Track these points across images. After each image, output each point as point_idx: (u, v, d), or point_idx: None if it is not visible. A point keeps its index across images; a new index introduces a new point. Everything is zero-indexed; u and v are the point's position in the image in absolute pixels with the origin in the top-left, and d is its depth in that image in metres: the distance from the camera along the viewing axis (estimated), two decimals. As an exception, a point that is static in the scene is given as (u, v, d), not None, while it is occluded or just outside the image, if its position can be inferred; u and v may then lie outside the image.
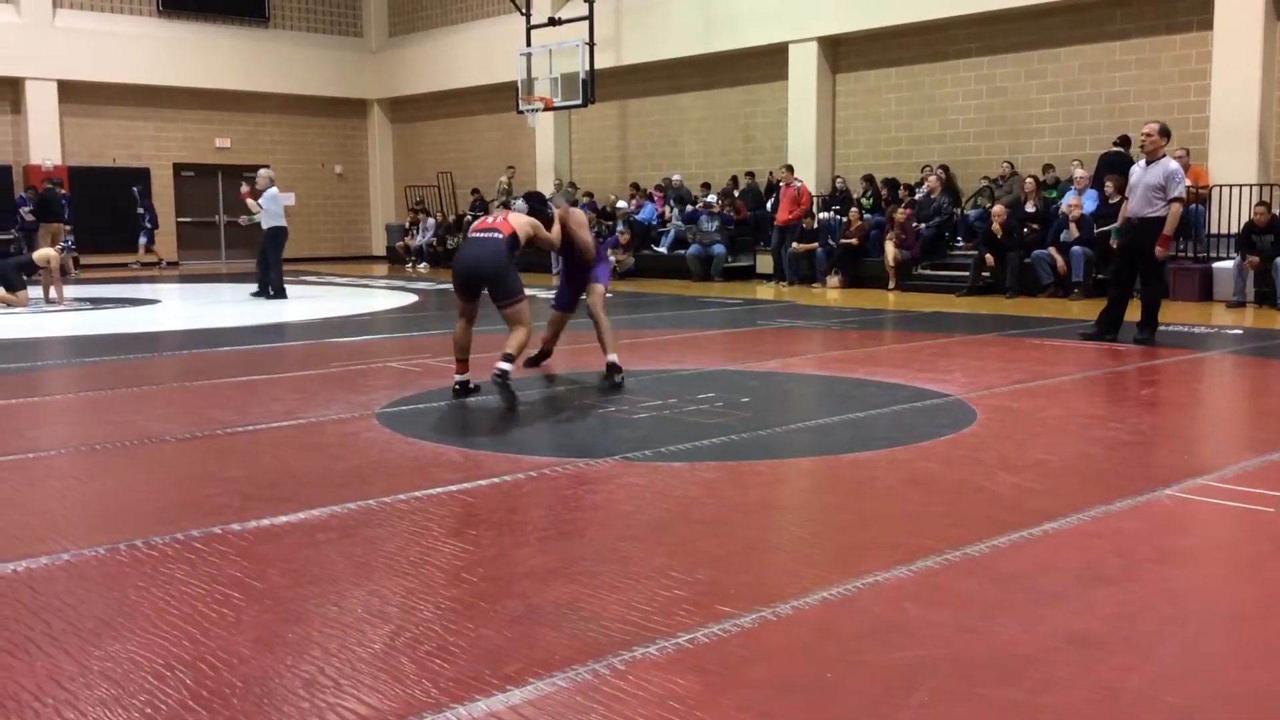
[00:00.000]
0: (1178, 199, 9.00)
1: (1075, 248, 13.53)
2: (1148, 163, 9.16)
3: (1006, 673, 2.73)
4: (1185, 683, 2.70)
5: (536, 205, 7.27)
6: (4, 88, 22.26)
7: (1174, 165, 9.13)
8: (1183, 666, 2.81)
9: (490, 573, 3.54)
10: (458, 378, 6.90)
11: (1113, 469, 5.04)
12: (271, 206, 14.33)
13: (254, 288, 15.03)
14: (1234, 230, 13.13)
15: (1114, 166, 14.37)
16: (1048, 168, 15.26)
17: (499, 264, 6.65)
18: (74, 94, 22.73)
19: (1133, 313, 9.44)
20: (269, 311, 13.43)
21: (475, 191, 23.69)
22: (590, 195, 20.80)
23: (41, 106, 22.33)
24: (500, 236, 6.71)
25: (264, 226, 14.48)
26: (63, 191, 20.76)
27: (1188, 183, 9.78)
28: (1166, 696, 2.61)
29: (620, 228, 19.05)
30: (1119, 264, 9.63)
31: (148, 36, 23.46)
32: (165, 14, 23.87)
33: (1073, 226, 13.60)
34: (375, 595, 3.32)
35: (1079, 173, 14.33)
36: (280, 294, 14.72)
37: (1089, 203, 14.03)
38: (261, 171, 14.96)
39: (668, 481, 4.73)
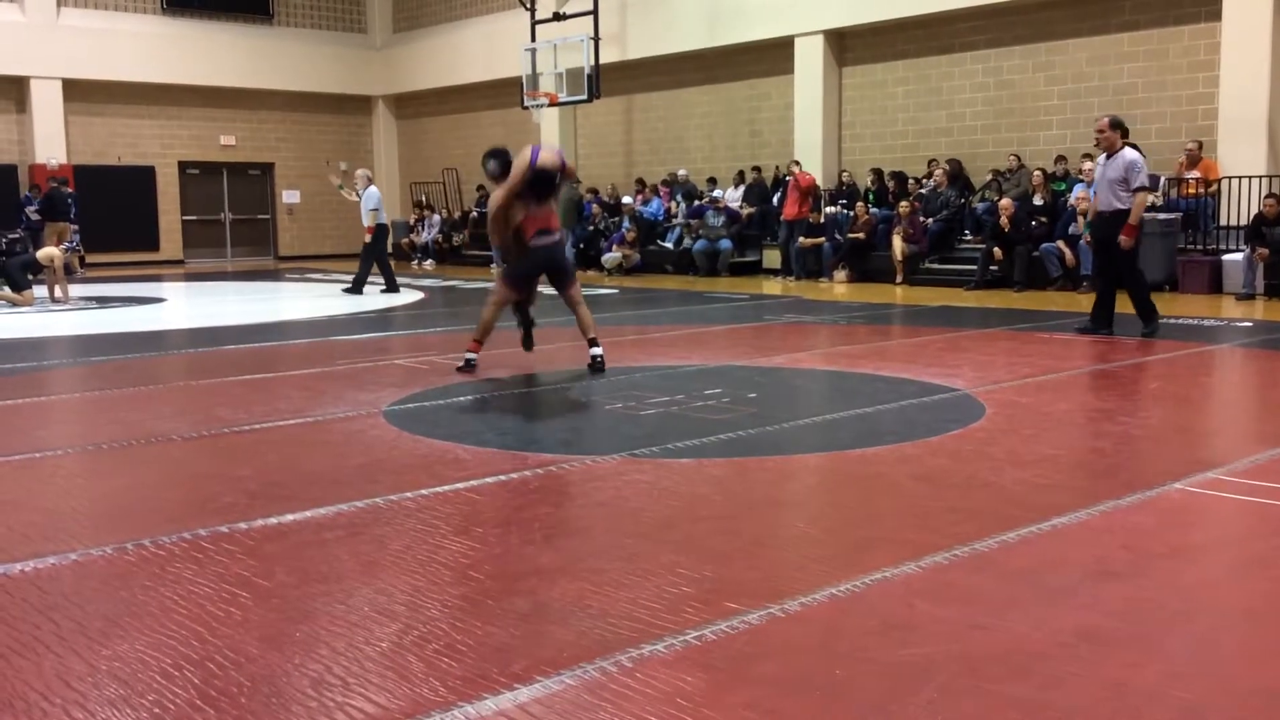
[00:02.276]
0: (1141, 188, 8.97)
1: (1083, 241, 13.48)
2: (1107, 157, 9.14)
3: (1015, 669, 2.72)
4: (1195, 679, 2.69)
5: (506, 161, 7.67)
6: (9, 86, 22.30)
7: (1132, 155, 9.10)
8: (1192, 662, 2.79)
9: (497, 570, 3.53)
10: (473, 356, 7.69)
11: (1122, 463, 5.02)
12: (371, 205, 14.67)
13: (382, 285, 15.30)
14: (1244, 222, 13.08)
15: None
16: (1060, 159, 15.21)
17: (567, 260, 8.14)
18: (79, 92, 22.77)
19: (1127, 307, 9.38)
20: (273, 309, 13.45)
21: (480, 188, 23.68)
22: (595, 191, 20.78)
23: (46, 105, 22.37)
24: (560, 237, 7.82)
25: (365, 224, 14.81)
26: (69, 190, 20.80)
27: (1148, 173, 9.69)
28: (1176, 692, 2.60)
29: (626, 223, 19.04)
30: (1096, 259, 9.64)
31: (152, 34, 23.48)
32: (170, 12, 23.90)
33: (1080, 220, 13.56)
34: (382, 593, 3.31)
35: (1088, 165, 14.27)
36: (357, 290, 14.93)
37: (1097, 195, 13.98)
38: (359, 171, 15.38)
39: (675, 478, 4.72)
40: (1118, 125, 9.11)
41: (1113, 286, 9.36)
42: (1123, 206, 8.98)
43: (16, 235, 19.19)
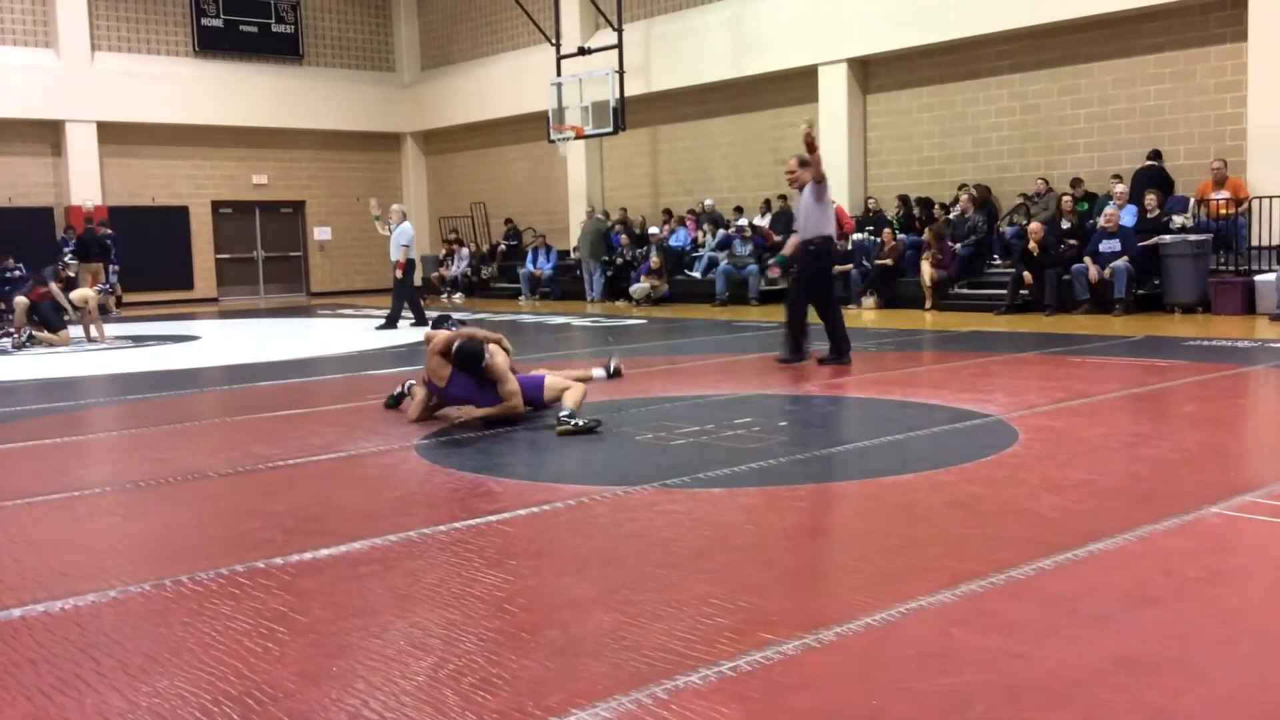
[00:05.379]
0: (793, 232, 9.73)
1: (1114, 262, 13.40)
2: (800, 191, 9.66)
3: (1055, 697, 2.70)
4: (1238, 704, 2.65)
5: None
6: (45, 130, 22.68)
7: (806, 196, 9.49)
8: (1235, 687, 2.76)
9: (531, 603, 3.54)
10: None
11: (1158, 487, 4.97)
12: (403, 240, 14.95)
13: (412, 319, 15.49)
14: (1275, 242, 12.96)
15: (1150, 180, 14.27)
16: (1076, 182, 15.15)
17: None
18: (113, 135, 23.12)
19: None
20: (307, 345, 13.55)
21: (509, 221, 23.84)
22: (622, 225, 20.83)
23: (81, 148, 22.72)
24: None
25: (394, 259, 15.08)
26: (108, 232, 21.03)
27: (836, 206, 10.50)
28: (1219, 719, 2.57)
29: (653, 253, 19.09)
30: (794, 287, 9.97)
31: (184, 76, 23.85)
32: (201, 54, 24.27)
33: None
34: (417, 627, 3.33)
35: (1119, 188, 14.20)
36: (391, 324, 15.11)
37: (1128, 217, 13.91)
38: (395, 207, 15.64)
39: (707, 508, 4.72)
40: (805, 164, 9.56)
41: (800, 312, 9.58)
42: (808, 236, 9.46)
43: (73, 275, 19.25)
